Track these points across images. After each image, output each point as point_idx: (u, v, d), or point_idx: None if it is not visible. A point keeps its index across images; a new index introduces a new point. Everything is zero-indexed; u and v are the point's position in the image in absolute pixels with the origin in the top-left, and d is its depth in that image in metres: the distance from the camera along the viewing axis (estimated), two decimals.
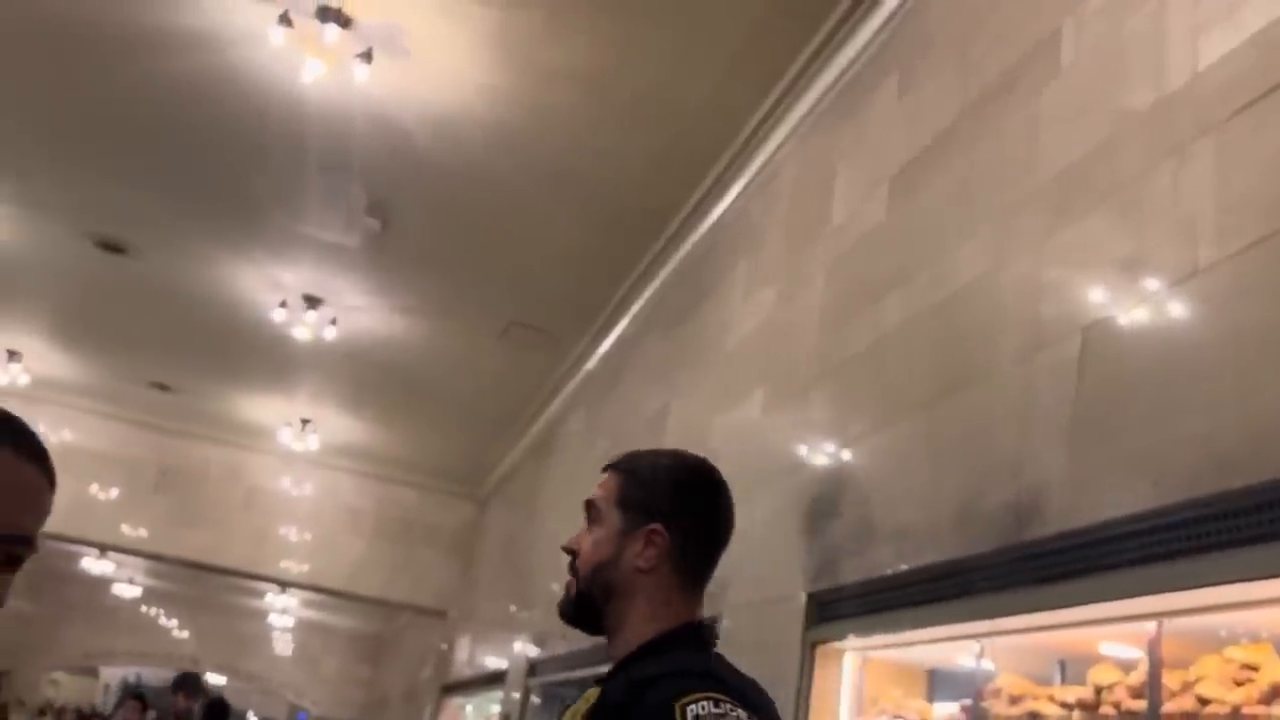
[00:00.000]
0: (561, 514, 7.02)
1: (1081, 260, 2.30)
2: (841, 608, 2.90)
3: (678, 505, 1.52)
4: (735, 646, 3.73)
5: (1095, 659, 2.38)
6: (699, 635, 1.49)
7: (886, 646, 2.93)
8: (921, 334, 2.84)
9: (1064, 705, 2.34)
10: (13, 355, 9.04)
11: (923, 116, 3.13)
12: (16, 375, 9.14)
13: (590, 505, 1.54)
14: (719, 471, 1.59)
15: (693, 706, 1.27)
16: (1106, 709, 2.20)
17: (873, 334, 3.08)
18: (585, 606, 1.51)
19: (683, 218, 5.19)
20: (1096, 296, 2.23)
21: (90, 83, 5.04)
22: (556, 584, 5.40)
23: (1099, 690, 2.24)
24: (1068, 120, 2.44)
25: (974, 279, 2.65)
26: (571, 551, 1.53)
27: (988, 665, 2.63)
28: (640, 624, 1.46)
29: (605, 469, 1.58)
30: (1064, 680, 2.63)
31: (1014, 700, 2.49)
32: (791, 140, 4.16)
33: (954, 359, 2.66)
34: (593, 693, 1.42)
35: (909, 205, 3.09)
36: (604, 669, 1.46)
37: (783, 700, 3.05)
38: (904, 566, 2.63)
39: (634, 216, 5.36)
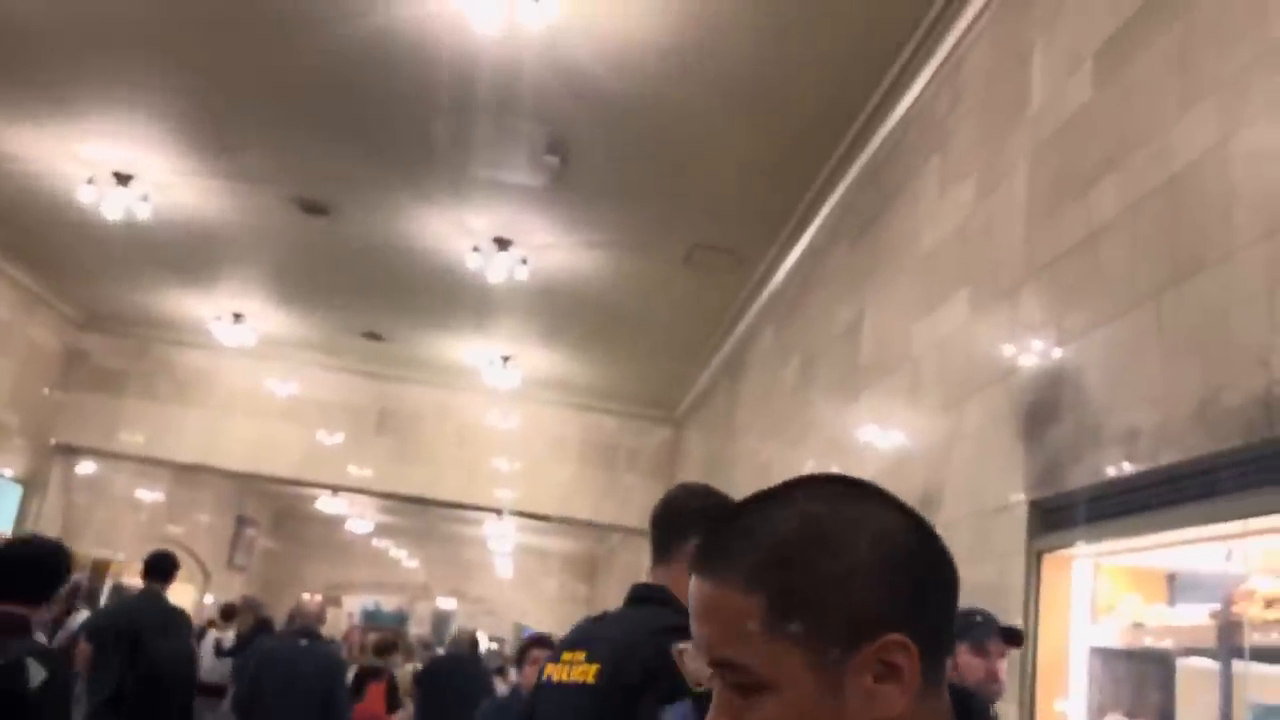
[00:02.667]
0: (759, 431, 7.03)
1: None
2: (1068, 515, 2.78)
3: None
4: (956, 559, 3.66)
5: None
6: None
7: (1121, 552, 2.80)
8: (1143, 220, 2.63)
9: None
10: (238, 318, 9.75)
11: None
12: (243, 335, 9.88)
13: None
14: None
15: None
16: None
17: (1086, 224, 2.88)
18: None
19: (865, 119, 4.99)
20: None
21: (278, 58, 5.28)
22: None
23: None
24: None
25: (1200, 155, 2.43)
26: None
27: (1236, 568, 2.47)
28: None
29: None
30: None
31: (1270, 603, 2.33)
32: (980, 21, 3.90)
33: (1183, 244, 2.45)
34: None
35: (1118, 79, 2.85)
36: None
37: (1010, 611, 2.97)
38: (1137, 468, 2.48)
39: (814, 124, 5.20)
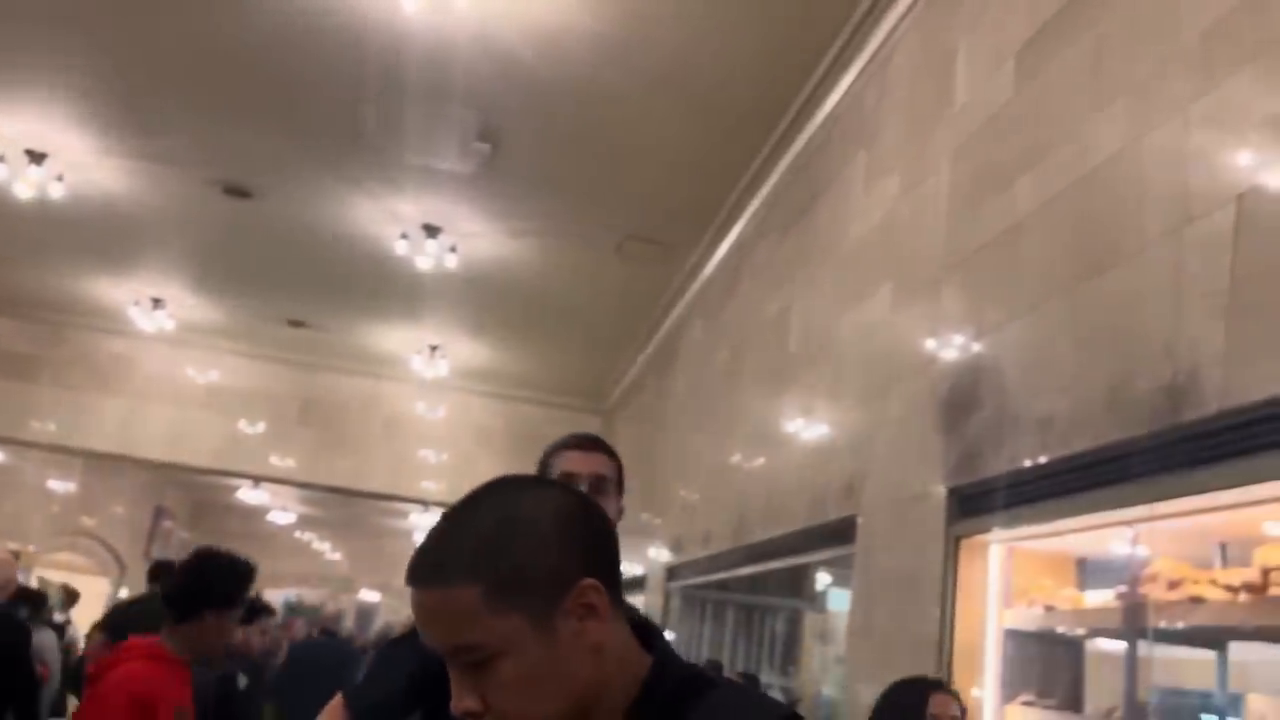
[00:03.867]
0: (688, 422, 7.09)
1: (1232, 124, 2.15)
2: (985, 501, 2.86)
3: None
4: (874, 545, 3.74)
5: (1259, 541, 2.29)
6: None
7: (1034, 537, 2.89)
8: (1058, 216, 2.72)
9: (1229, 588, 2.27)
10: (157, 303, 9.51)
11: None
12: (162, 321, 9.63)
13: (604, 480, 1.99)
14: None
15: None
16: (1276, 590, 2.13)
17: (1006, 219, 2.96)
18: None
19: (794, 113, 5.06)
20: (1250, 161, 2.09)
21: (201, 34, 5.16)
22: (686, 491, 5.51)
23: (1267, 571, 2.16)
24: None
25: (1113, 153, 2.52)
26: None
27: (1142, 551, 2.57)
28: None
29: (597, 449, 2.05)
30: (1225, 563, 2.55)
31: (1173, 585, 2.42)
32: (906, 20, 3.98)
33: (1096, 239, 2.54)
34: None
35: (1037, 80, 2.94)
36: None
37: (928, 595, 3.05)
38: (1050, 456, 2.56)
39: (744, 117, 5.25)
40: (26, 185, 6.76)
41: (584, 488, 1.92)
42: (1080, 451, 2.44)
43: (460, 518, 0.97)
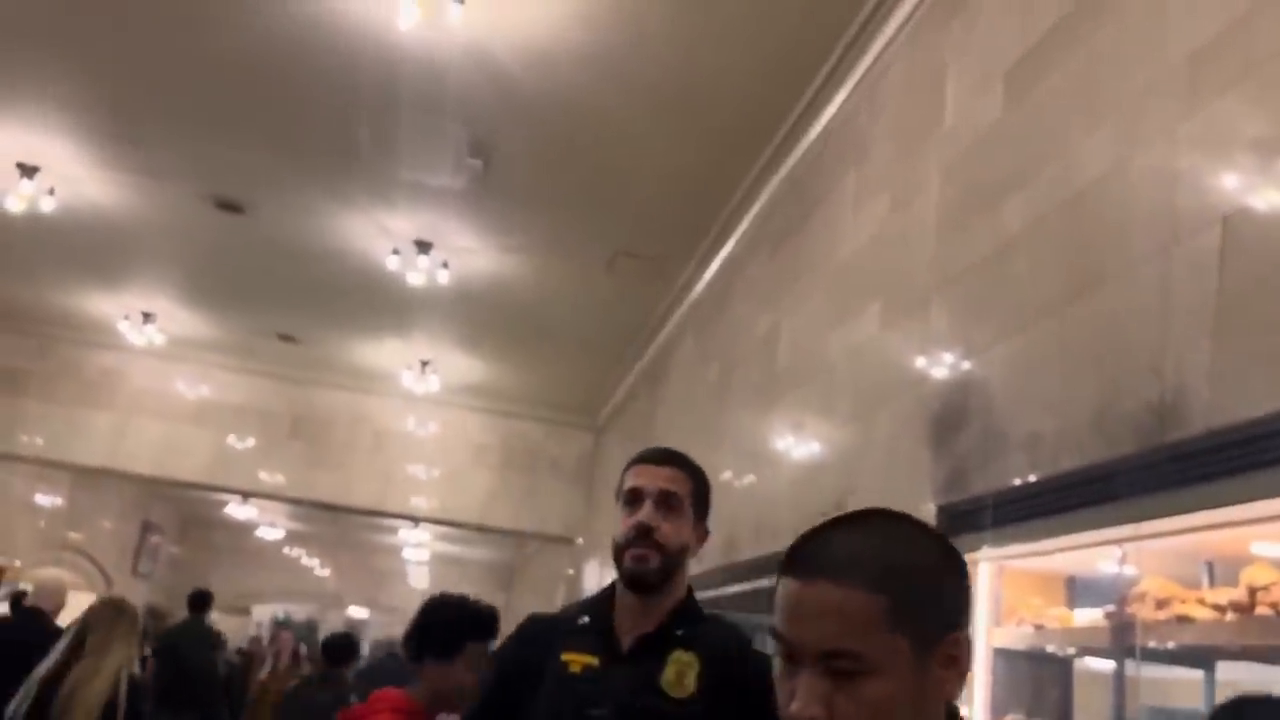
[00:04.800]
0: (677, 439, 7.08)
1: (1219, 145, 2.17)
2: (973, 519, 2.86)
3: (708, 508, 1.97)
4: None
5: (1246, 560, 2.30)
6: None
7: (1023, 556, 2.89)
8: (1047, 235, 2.73)
9: (1216, 607, 2.27)
10: (148, 317, 9.48)
11: (1036, 5, 2.97)
12: (152, 336, 9.60)
13: (672, 496, 1.91)
14: None
15: None
16: (1263, 609, 2.13)
17: (994, 239, 2.98)
18: (665, 575, 1.87)
19: (786, 131, 5.08)
20: (1236, 183, 2.11)
21: (194, 49, 5.16)
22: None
23: (1254, 591, 2.17)
24: None
25: (1101, 174, 2.53)
26: (649, 528, 1.86)
27: (1130, 570, 2.57)
28: (679, 590, 1.92)
29: (669, 464, 1.96)
30: (1212, 583, 2.55)
31: (1161, 604, 2.42)
32: (897, 40, 4.01)
33: (1083, 259, 2.55)
34: (684, 655, 1.81)
35: (1026, 101, 2.96)
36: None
37: None
38: (1038, 475, 2.57)
39: (737, 135, 5.27)
40: (17, 199, 6.75)
41: (650, 504, 1.88)
42: (1068, 470, 2.45)
43: (861, 529, 0.96)
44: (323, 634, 21.24)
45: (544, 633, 1.95)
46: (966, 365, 3.06)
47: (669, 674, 1.80)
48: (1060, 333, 2.61)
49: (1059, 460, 2.49)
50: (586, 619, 1.92)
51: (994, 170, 3.06)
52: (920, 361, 3.36)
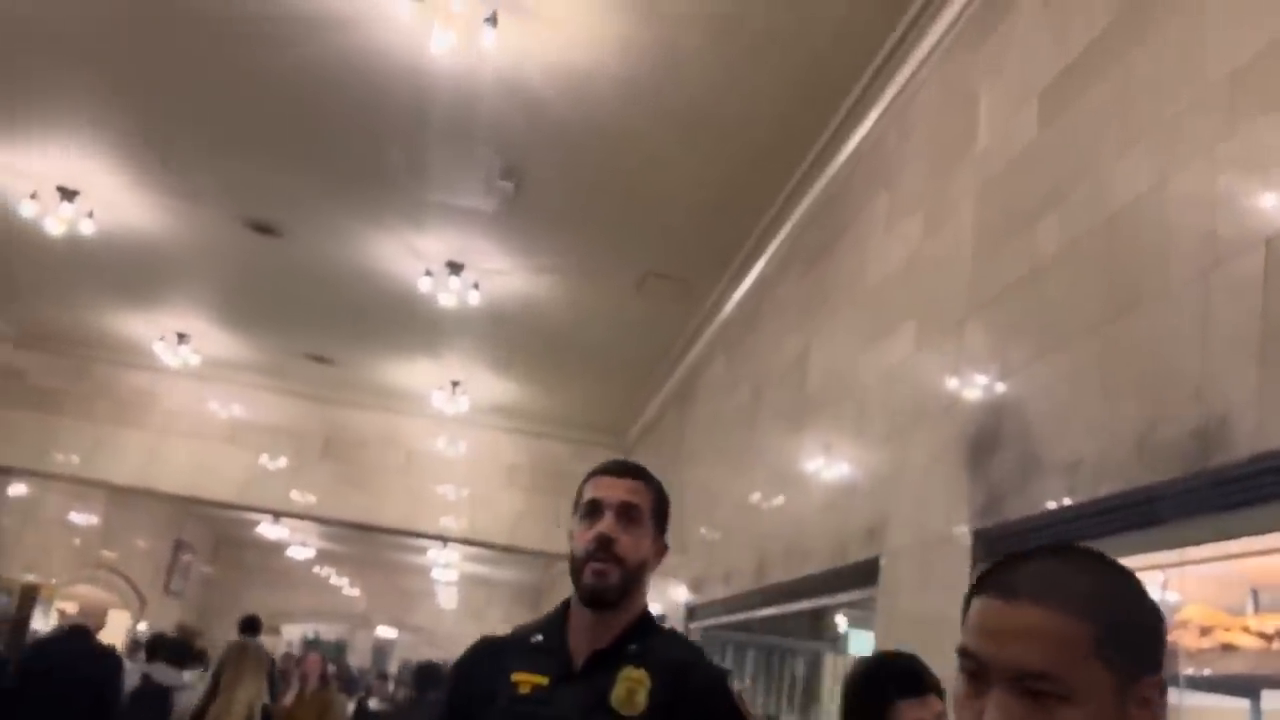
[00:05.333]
0: (708, 460, 7.06)
1: (1260, 166, 2.14)
2: (1011, 544, 2.82)
3: (667, 523, 1.93)
4: (897, 588, 3.70)
5: None
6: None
7: None
8: (1083, 257, 2.71)
9: (1261, 635, 2.23)
10: (182, 338, 9.59)
11: (1071, 25, 2.96)
12: (187, 356, 9.71)
13: (633, 508, 1.86)
14: None
15: (733, 684, 1.94)
16: None
17: (1030, 260, 2.95)
18: (624, 591, 1.83)
19: (816, 153, 5.08)
20: (1279, 205, 2.08)
21: (231, 73, 5.24)
22: (706, 529, 5.44)
23: None
24: (1237, 16, 2.27)
25: (1139, 194, 2.51)
26: (610, 539, 1.82)
27: (1173, 597, 2.53)
28: (636, 606, 1.87)
29: (629, 475, 1.91)
30: (1257, 610, 2.51)
31: (1204, 631, 2.38)
32: (929, 61, 4.00)
33: (1121, 281, 2.53)
34: (634, 671, 1.76)
35: (1061, 121, 2.94)
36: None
37: (953, 639, 3.00)
38: (1078, 499, 2.54)
39: (767, 156, 5.27)
40: (58, 221, 6.86)
41: (611, 516, 1.83)
42: (1108, 495, 2.42)
43: (1066, 558, 0.95)
44: (352, 655, 21.30)
45: (495, 654, 1.89)
46: (1003, 387, 3.03)
47: (619, 691, 1.74)
48: (1099, 356, 2.58)
49: (1099, 485, 2.46)
50: (540, 637, 1.87)
51: (1029, 190, 3.04)
52: (955, 383, 3.33)
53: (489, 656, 1.89)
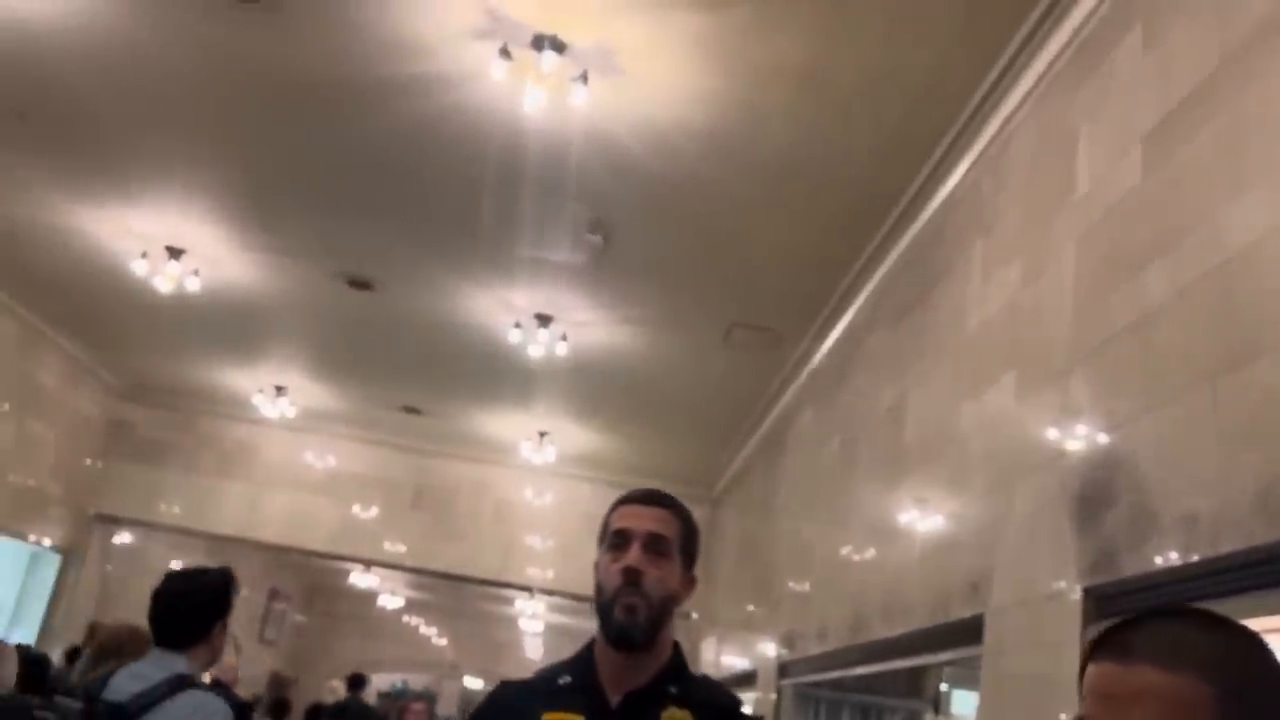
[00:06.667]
0: (799, 512, 6.96)
1: None
2: (1124, 602, 2.71)
3: (697, 554, 1.86)
4: (1004, 646, 3.57)
5: None
6: None
7: None
8: (1194, 304, 2.61)
9: None
10: (280, 390, 9.87)
11: (1175, 68, 2.89)
12: (285, 408, 9.98)
13: (661, 540, 1.78)
14: None
15: None
16: None
17: (1136, 308, 2.86)
18: (651, 631, 1.75)
19: (906, 203, 5.03)
20: None
21: (328, 135, 5.43)
22: (797, 583, 5.34)
23: None
24: None
25: (1253, 240, 2.42)
26: (637, 571, 1.75)
27: None
28: (666, 644, 1.80)
29: (658, 504, 1.83)
30: None
31: None
32: (1024, 108, 3.94)
33: (1236, 330, 2.43)
34: (679, 712, 1.71)
35: (1167, 166, 2.86)
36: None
37: (1065, 700, 2.88)
38: (1196, 556, 2.42)
39: (855, 207, 5.25)
40: (166, 279, 7.15)
41: (637, 548, 1.77)
42: (1229, 553, 2.30)
43: (1183, 620, 0.93)
44: (442, 706, 21.30)
45: (520, 698, 1.83)
46: (1111, 439, 2.93)
47: None
48: (1213, 407, 2.47)
49: (1219, 542, 2.35)
50: (568, 678, 1.81)
51: (1134, 237, 2.96)
52: (1059, 435, 3.23)
53: (516, 700, 1.84)
